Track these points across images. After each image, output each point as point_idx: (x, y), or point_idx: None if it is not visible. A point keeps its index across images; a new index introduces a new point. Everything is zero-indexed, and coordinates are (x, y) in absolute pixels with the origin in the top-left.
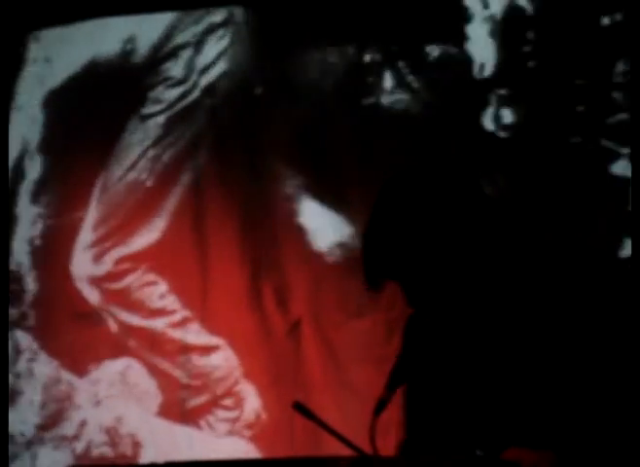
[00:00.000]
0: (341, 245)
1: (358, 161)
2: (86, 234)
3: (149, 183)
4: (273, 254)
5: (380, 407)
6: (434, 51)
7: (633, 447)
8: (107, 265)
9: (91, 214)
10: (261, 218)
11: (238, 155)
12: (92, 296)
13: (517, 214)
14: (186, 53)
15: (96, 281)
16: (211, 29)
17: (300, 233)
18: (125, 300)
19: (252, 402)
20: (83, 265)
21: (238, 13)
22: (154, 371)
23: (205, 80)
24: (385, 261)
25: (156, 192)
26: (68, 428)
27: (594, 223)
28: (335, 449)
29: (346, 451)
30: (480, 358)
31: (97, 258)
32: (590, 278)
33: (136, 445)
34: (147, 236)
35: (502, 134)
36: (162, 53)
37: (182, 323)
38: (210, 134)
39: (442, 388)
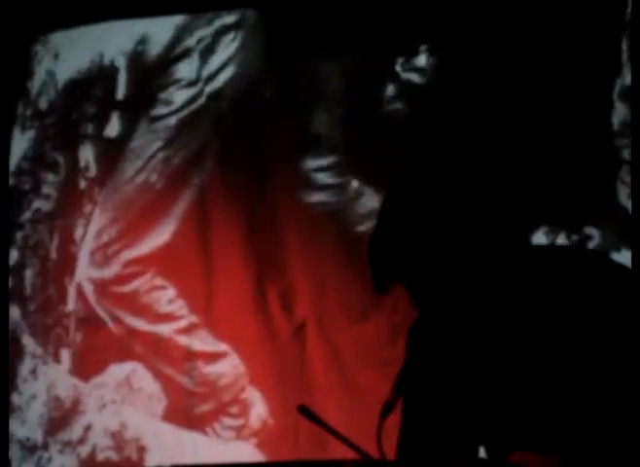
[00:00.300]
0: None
1: (365, 165)
2: (93, 237)
3: (159, 185)
4: (278, 257)
5: (387, 410)
6: (435, 58)
7: (638, 452)
8: (115, 268)
9: (99, 216)
10: (265, 221)
11: (245, 158)
12: (98, 299)
13: (521, 215)
14: (196, 55)
15: (103, 284)
16: (222, 31)
17: (304, 236)
18: (133, 304)
19: (258, 409)
20: (89, 268)
21: (250, 16)
22: (159, 375)
23: (215, 82)
24: (392, 264)
25: (165, 194)
26: (73, 432)
27: (595, 224)
28: (339, 452)
29: (351, 454)
30: (485, 361)
31: (105, 261)
32: (594, 282)
33: (141, 449)
34: (156, 239)
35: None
36: (173, 54)
37: (189, 329)
38: (218, 137)
39: (447, 391)
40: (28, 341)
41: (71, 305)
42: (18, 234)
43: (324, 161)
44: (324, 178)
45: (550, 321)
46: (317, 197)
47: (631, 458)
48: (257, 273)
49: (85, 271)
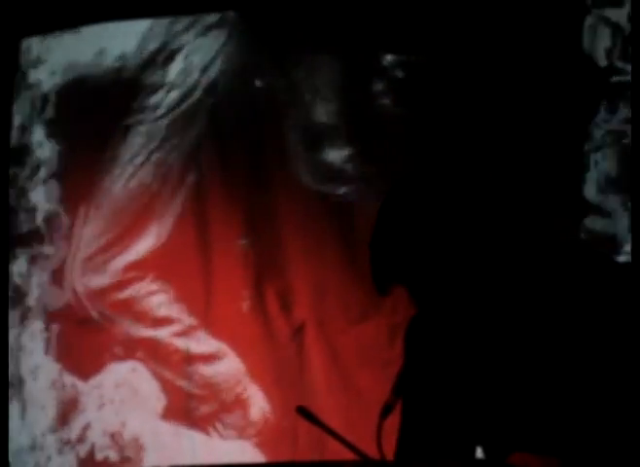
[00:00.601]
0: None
1: (358, 162)
2: (86, 243)
3: (154, 187)
4: (277, 258)
5: (386, 411)
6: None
7: (638, 453)
8: (111, 274)
9: (93, 222)
10: (264, 222)
11: (240, 155)
12: (95, 306)
13: (521, 217)
14: (182, 56)
15: (100, 291)
16: (206, 30)
17: (303, 236)
18: (130, 309)
19: (259, 406)
20: (84, 274)
21: (231, 15)
22: (158, 374)
23: (204, 80)
24: (393, 265)
25: (159, 196)
26: (72, 432)
27: (595, 225)
28: (338, 453)
29: (350, 456)
30: (485, 362)
31: (101, 267)
32: (595, 283)
33: (140, 448)
34: (152, 242)
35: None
36: (160, 58)
37: (187, 332)
38: (211, 134)
39: (446, 391)
40: (27, 341)
41: (69, 307)
42: (18, 234)
43: (326, 156)
44: (324, 173)
45: (549, 321)
46: (318, 190)
47: (631, 460)
48: (256, 274)
49: (79, 277)
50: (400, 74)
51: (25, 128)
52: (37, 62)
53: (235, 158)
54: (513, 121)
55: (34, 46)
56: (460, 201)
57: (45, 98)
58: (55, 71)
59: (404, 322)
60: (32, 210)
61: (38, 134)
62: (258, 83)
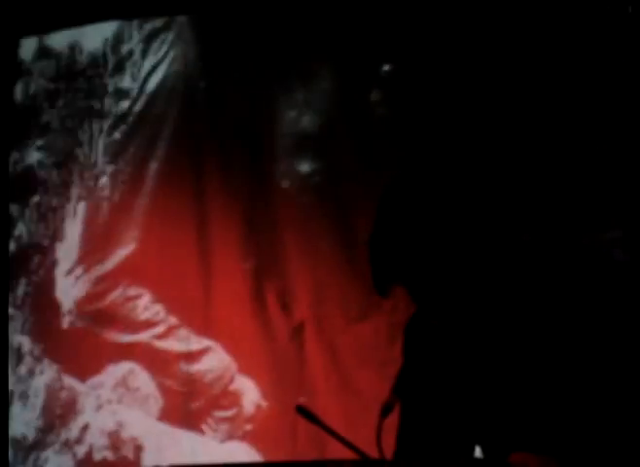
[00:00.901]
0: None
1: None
2: (65, 260)
3: (115, 198)
4: (277, 257)
5: (386, 411)
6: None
7: (637, 454)
8: (88, 285)
9: (68, 238)
10: (264, 222)
11: (240, 156)
12: (80, 319)
13: (521, 215)
14: (131, 63)
15: (81, 304)
16: (153, 34)
17: (302, 236)
18: (111, 318)
19: (250, 395)
20: (66, 290)
21: (180, 18)
22: (156, 376)
23: (152, 83)
24: (392, 265)
25: (122, 206)
26: (70, 432)
27: (595, 225)
28: (338, 452)
29: (350, 455)
30: (484, 361)
31: (78, 281)
32: (594, 282)
33: (138, 449)
34: (123, 251)
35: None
36: (109, 67)
37: (185, 332)
38: (210, 136)
39: (445, 391)
40: (25, 341)
41: (65, 310)
42: (16, 235)
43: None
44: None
45: (548, 321)
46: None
47: (629, 460)
48: (255, 274)
49: (63, 294)
50: (395, 83)
51: (23, 136)
52: (31, 62)
53: (235, 159)
54: (515, 122)
55: (30, 45)
56: (458, 199)
57: (36, 101)
58: (43, 72)
59: (403, 321)
60: (30, 213)
61: (33, 137)
62: (203, 83)
